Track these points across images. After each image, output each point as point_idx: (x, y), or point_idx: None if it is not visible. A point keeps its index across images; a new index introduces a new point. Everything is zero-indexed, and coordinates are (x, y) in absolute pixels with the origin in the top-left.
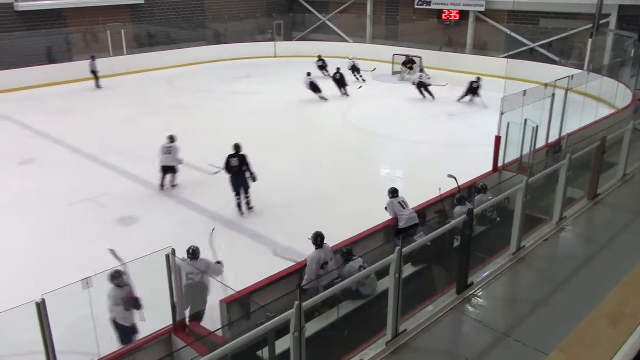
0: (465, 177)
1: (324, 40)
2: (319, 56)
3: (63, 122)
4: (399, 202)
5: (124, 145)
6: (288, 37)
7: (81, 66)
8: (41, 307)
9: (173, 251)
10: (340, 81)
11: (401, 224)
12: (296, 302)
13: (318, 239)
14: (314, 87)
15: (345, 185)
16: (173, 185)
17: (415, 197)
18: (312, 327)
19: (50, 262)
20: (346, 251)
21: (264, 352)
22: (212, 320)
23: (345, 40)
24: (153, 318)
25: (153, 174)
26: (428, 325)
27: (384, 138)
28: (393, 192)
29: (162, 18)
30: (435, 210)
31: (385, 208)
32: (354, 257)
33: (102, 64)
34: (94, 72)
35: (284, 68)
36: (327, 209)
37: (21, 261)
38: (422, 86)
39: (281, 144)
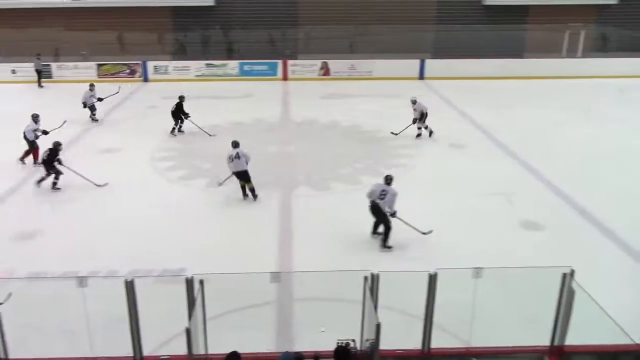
0: None
1: None
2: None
3: (496, 116)
4: None
5: (545, 150)
6: None
7: (527, 64)
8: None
9: (572, 272)
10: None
11: None
12: None
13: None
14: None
15: None
16: None
17: None
18: None
19: (462, 242)
20: None
21: None
22: None
23: None
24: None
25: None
26: None
27: None
28: None
29: (636, 21)
30: None
31: None
32: None
33: (550, 64)
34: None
35: None
36: None
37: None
38: None
39: None
